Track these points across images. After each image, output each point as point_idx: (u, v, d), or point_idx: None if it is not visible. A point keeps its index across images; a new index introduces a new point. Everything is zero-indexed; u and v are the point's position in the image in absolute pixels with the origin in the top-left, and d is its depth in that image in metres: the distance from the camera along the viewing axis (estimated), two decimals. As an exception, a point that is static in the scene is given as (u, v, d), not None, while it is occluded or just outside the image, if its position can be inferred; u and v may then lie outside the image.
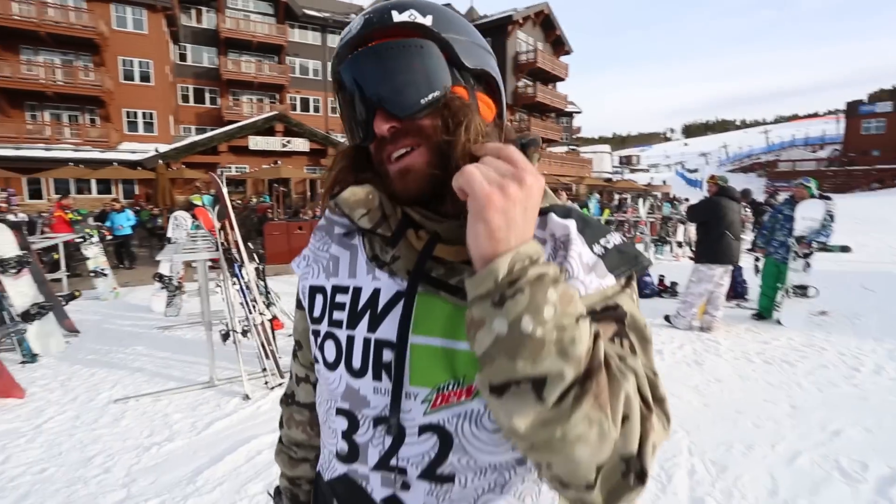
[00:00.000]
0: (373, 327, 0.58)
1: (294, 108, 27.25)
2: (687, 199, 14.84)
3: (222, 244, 3.57)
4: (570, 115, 40.15)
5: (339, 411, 0.61)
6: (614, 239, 0.56)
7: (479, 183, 0.42)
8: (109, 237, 9.08)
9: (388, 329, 0.57)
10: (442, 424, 0.54)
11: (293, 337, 0.78)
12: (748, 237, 10.53)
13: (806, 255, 5.27)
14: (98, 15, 19.78)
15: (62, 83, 19.32)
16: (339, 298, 0.62)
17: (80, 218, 7.28)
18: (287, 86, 26.64)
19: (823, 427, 3.01)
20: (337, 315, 0.62)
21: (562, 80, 34.30)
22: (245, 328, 3.65)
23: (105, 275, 6.96)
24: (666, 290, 7.04)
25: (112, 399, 3.47)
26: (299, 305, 0.74)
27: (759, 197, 20.91)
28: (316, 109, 28.35)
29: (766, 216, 5.92)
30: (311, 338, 0.67)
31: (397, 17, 0.55)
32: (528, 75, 31.59)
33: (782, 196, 13.15)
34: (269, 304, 3.96)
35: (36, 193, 18.32)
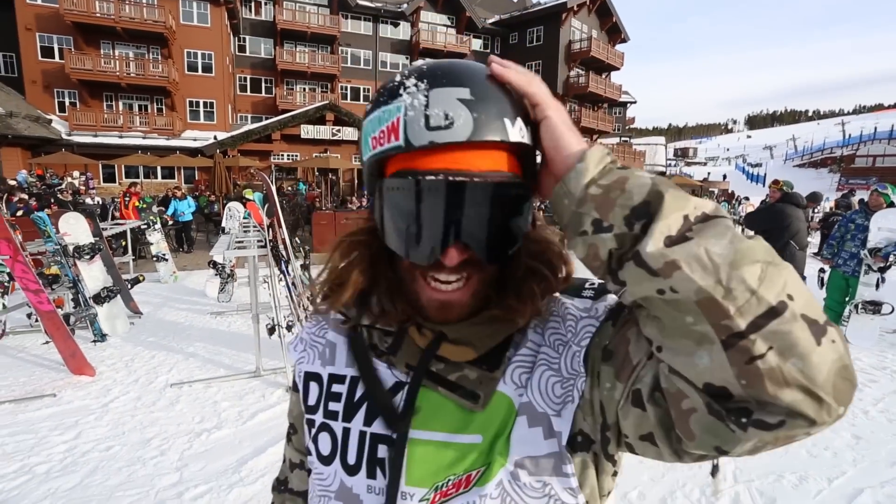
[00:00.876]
0: (369, 421, 0.56)
1: (345, 98, 27.78)
2: (747, 198, 13.92)
3: (270, 241, 3.72)
4: (623, 105, 38.59)
5: None
6: (595, 284, 0.58)
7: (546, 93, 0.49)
8: (171, 223, 9.68)
9: (384, 425, 0.55)
10: None
11: (288, 419, 0.73)
12: (815, 241, 9.79)
13: (881, 269, 4.83)
14: (168, 10, 20.91)
15: (134, 75, 20.64)
16: (336, 388, 0.60)
17: (144, 206, 7.79)
18: (338, 75, 27.16)
19: (893, 463, 2.78)
20: (332, 406, 0.59)
21: (616, 69, 32.93)
22: (290, 322, 3.79)
23: (166, 259, 7.44)
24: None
25: (169, 383, 3.73)
26: (295, 388, 0.69)
27: (831, 195, 19.31)
28: (366, 98, 28.75)
29: (836, 225, 5.44)
30: (305, 427, 0.63)
31: (512, 132, 0.46)
32: (581, 65, 30.56)
33: (858, 196, 12.04)
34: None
35: (110, 177, 19.83)
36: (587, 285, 0.58)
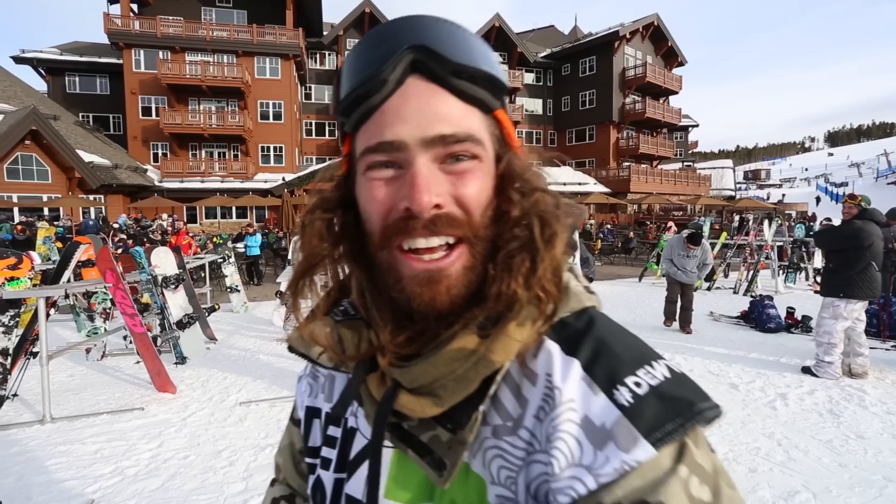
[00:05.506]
0: (347, 476, 0.48)
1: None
2: (828, 219, 12.84)
3: (330, 268, 3.98)
4: (684, 129, 37.34)
5: None
6: (656, 373, 0.37)
7: None
8: (244, 255, 10.51)
9: (357, 484, 0.47)
10: None
11: (275, 460, 0.66)
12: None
13: None
14: (244, 67, 23.34)
15: (215, 126, 23.01)
16: (332, 431, 0.51)
17: (221, 241, 8.53)
18: (395, 116, 28.66)
19: None
20: (326, 451, 0.51)
21: (675, 93, 32.16)
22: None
23: (238, 291, 8.05)
24: (797, 324, 6.17)
25: (238, 402, 4.02)
26: (293, 420, 0.61)
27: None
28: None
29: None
30: (307, 471, 0.55)
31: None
32: (637, 91, 30.17)
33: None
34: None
35: (192, 218, 21.90)
36: (638, 373, 0.37)
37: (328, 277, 0.49)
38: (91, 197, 17.48)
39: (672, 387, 0.36)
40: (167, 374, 4.26)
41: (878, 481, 2.73)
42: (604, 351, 0.39)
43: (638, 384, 0.36)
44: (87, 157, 17.54)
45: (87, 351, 5.32)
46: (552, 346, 0.41)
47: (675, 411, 0.35)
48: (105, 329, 5.50)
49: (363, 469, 0.46)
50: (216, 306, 6.29)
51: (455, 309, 0.41)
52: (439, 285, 0.40)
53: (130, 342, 5.22)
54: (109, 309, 5.53)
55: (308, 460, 0.54)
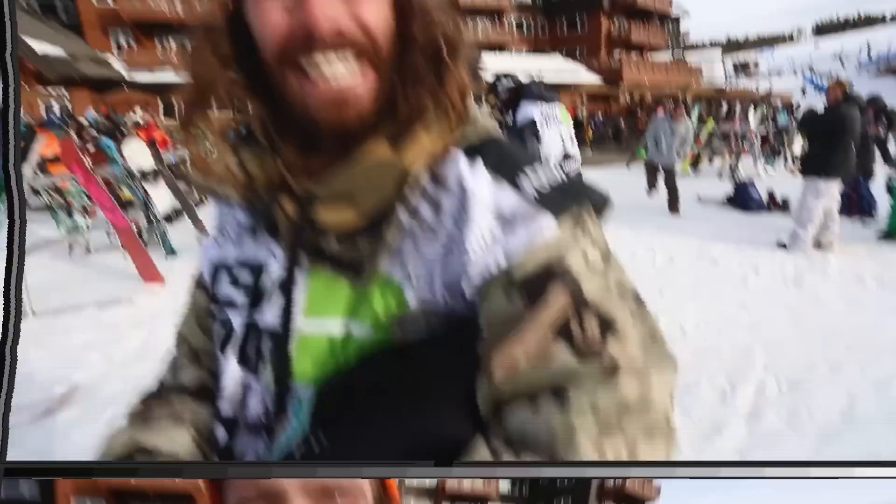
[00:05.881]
0: (260, 311, 0.48)
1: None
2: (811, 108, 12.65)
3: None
4: (676, 20, 34.65)
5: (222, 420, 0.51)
6: (550, 173, 0.44)
7: None
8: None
9: (272, 312, 0.47)
10: None
11: (180, 328, 0.62)
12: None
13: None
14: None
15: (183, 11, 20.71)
16: (241, 275, 0.51)
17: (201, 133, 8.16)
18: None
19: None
20: (235, 294, 0.50)
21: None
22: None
23: (225, 185, 7.90)
24: (776, 206, 6.32)
25: (230, 290, 4.10)
26: (197, 283, 0.58)
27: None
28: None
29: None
30: (217, 325, 0.54)
31: None
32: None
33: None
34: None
35: (170, 112, 20.62)
36: (534, 168, 0.43)
37: (222, 109, 0.47)
38: (51, 90, 16.27)
39: (567, 184, 0.43)
40: (154, 266, 4.26)
41: (824, 336, 2.96)
42: (507, 157, 0.44)
43: (539, 178, 0.42)
44: (37, 46, 15.99)
45: (70, 247, 5.29)
46: (461, 156, 0.43)
47: (572, 193, 0.42)
48: (87, 226, 5.42)
49: (277, 298, 0.47)
50: (204, 199, 6.17)
51: (365, 127, 0.42)
52: (347, 107, 0.41)
53: (115, 238, 5.18)
54: (89, 206, 5.40)
55: (214, 307, 0.54)
